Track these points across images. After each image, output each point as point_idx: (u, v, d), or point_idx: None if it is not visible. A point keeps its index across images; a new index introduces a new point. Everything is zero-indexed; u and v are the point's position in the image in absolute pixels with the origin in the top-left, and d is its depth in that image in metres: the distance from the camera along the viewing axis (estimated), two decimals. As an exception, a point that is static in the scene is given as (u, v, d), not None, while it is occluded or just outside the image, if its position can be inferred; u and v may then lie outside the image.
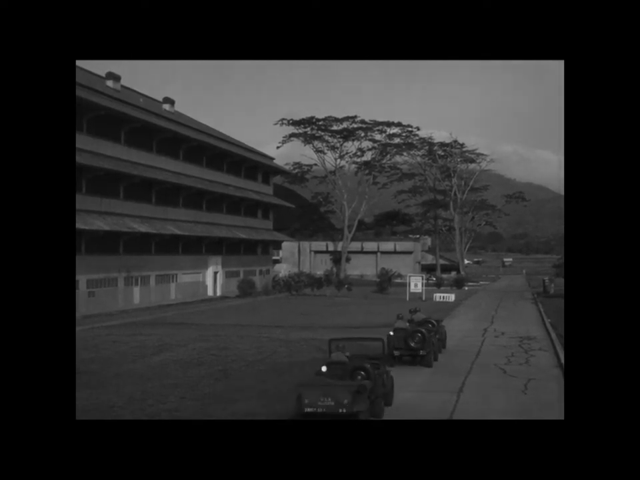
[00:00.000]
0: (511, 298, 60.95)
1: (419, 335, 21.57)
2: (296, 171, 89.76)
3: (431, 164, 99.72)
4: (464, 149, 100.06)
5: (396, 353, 21.50)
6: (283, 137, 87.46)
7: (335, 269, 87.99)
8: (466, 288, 75.07)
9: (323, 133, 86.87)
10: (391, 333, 21.46)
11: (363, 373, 14.76)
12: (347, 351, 15.89)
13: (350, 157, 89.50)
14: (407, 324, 23.04)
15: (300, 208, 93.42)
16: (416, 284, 56.60)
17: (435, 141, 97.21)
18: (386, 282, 66.18)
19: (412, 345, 21.39)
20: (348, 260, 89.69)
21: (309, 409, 13.07)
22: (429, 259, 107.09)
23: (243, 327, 33.54)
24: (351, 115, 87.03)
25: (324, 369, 15.04)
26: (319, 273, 79.16)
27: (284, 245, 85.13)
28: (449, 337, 27.21)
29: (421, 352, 21.46)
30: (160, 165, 50.78)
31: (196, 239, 54.60)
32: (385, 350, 17.68)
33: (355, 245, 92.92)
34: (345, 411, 13.01)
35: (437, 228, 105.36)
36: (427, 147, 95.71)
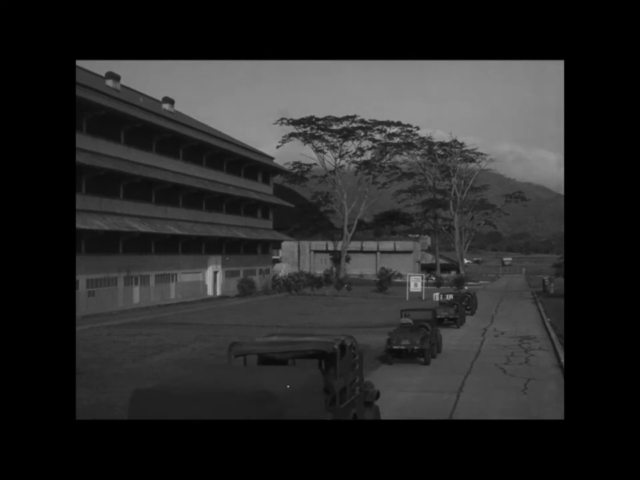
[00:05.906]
0: (511, 297, 60.99)
1: (467, 297, 41.51)
2: (296, 170, 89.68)
3: (430, 163, 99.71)
4: (463, 149, 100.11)
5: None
6: (283, 137, 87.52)
7: (334, 269, 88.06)
8: (466, 287, 75.05)
9: (322, 133, 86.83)
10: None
11: (424, 328, 23.13)
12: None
13: (350, 156, 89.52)
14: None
15: (300, 207, 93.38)
16: (416, 283, 56.58)
17: (435, 141, 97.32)
18: (386, 281, 66.21)
19: (463, 303, 37.84)
20: (348, 259, 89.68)
21: (395, 346, 21.92)
22: (429, 259, 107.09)
23: (242, 327, 33.53)
24: (350, 114, 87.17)
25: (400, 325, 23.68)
26: (319, 272, 79.22)
27: (284, 244, 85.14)
28: (450, 337, 28.82)
29: (468, 307, 39.76)
30: (160, 165, 50.77)
31: (196, 239, 54.60)
32: (435, 317, 26.49)
33: (355, 245, 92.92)
34: (417, 347, 21.85)
35: (436, 227, 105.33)
36: (426, 147, 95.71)
